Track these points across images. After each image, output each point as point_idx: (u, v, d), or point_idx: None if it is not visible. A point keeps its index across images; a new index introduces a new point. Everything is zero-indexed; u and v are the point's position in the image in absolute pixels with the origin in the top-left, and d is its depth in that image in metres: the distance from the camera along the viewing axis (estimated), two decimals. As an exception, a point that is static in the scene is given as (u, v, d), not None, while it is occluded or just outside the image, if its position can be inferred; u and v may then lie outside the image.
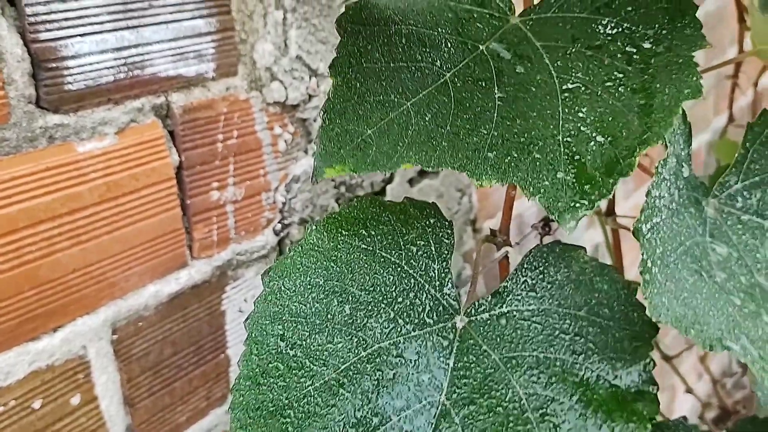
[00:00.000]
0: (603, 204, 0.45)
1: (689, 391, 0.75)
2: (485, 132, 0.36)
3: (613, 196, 0.42)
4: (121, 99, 0.53)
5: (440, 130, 0.37)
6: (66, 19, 0.49)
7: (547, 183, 0.34)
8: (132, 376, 0.56)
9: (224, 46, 0.59)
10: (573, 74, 0.36)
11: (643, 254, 0.34)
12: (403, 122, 0.37)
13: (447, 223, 0.40)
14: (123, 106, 0.53)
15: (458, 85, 0.38)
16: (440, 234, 0.40)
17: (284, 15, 0.63)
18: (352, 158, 0.37)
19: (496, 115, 0.36)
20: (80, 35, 0.49)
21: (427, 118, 0.37)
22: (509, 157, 0.35)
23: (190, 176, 0.58)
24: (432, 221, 0.40)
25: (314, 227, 0.40)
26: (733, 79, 0.81)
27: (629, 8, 0.38)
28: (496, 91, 0.37)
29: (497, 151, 0.36)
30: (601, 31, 0.38)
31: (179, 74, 0.56)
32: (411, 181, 0.80)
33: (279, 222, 0.66)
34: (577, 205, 0.33)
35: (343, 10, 0.42)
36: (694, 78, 0.35)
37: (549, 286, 0.39)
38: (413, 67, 0.38)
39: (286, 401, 0.35)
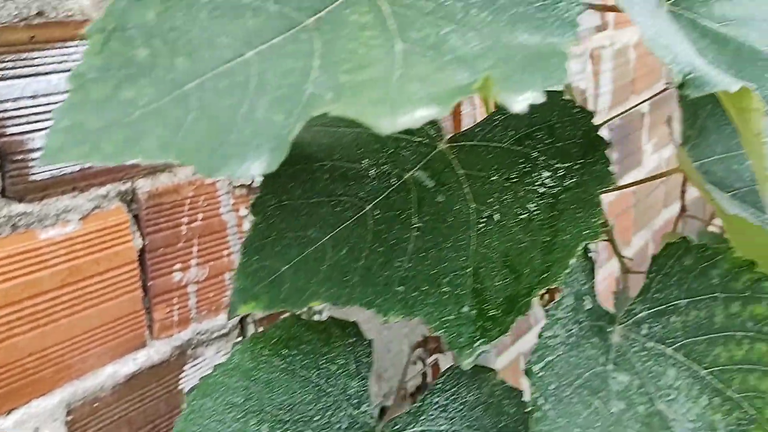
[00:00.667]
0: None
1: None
2: (398, 264, 0.38)
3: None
4: (87, 187, 0.55)
5: (353, 264, 0.38)
6: (35, 114, 0.51)
7: (452, 317, 0.36)
8: (86, 456, 0.57)
9: (192, 133, 0.61)
10: (490, 205, 0.39)
11: (533, 392, 0.35)
12: (319, 257, 0.39)
13: (366, 341, 0.42)
14: (88, 193, 0.55)
15: (377, 216, 0.40)
16: (359, 352, 0.42)
17: (253, 102, 0.66)
18: (266, 295, 0.39)
19: (411, 246, 0.38)
20: (47, 129, 0.52)
21: (342, 253, 0.39)
22: (418, 291, 0.37)
23: (152, 259, 0.60)
24: (352, 340, 0.42)
25: (238, 347, 0.42)
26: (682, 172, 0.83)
27: (547, 141, 0.40)
28: (415, 221, 0.39)
29: (407, 284, 0.38)
30: (520, 162, 0.40)
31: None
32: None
33: (241, 301, 0.68)
34: (477, 341, 0.35)
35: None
36: (595, 219, 0.37)
37: (460, 407, 0.40)
38: (334, 202, 0.40)
39: None
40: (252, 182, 0.67)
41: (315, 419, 0.39)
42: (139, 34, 0.27)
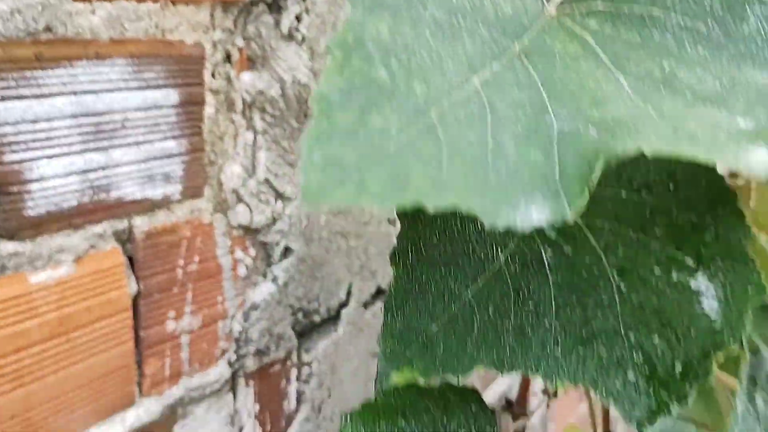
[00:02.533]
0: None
1: None
2: (548, 323, 0.34)
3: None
4: (83, 224, 0.49)
5: (505, 324, 0.35)
6: (34, 140, 0.45)
7: (618, 385, 0.33)
8: None
9: (193, 167, 0.56)
10: (621, 258, 0.36)
11: None
12: (468, 316, 0.35)
13: (489, 410, 0.38)
14: (83, 231, 0.49)
15: (513, 269, 0.36)
16: (482, 422, 0.38)
17: (255, 137, 0.61)
18: (421, 360, 0.35)
19: (554, 303, 0.35)
20: (47, 157, 0.45)
21: (489, 311, 0.35)
22: (575, 354, 0.34)
23: (146, 306, 0.54)
24: (473, 408, 0.38)
25: (350, 419, 0.37)
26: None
27: (668, 189, 0.38)
28: (549, 274, 0.36)
29: (562, 346, 0.34)
30: (642, 212, 0.37)
31: (145, 196, 0.52)
32: (365, 305, 0.78)
33: (234, 352, 0.62)
34: (655, 413, 0.32)
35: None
36: (756, 275, 0.35)
37: None
38: (469, 252, 0.37)
39: None
40: (250, 223, 0.62)
41: None
42: (376, 51, 0.23)
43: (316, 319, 0.71)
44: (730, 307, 0.34)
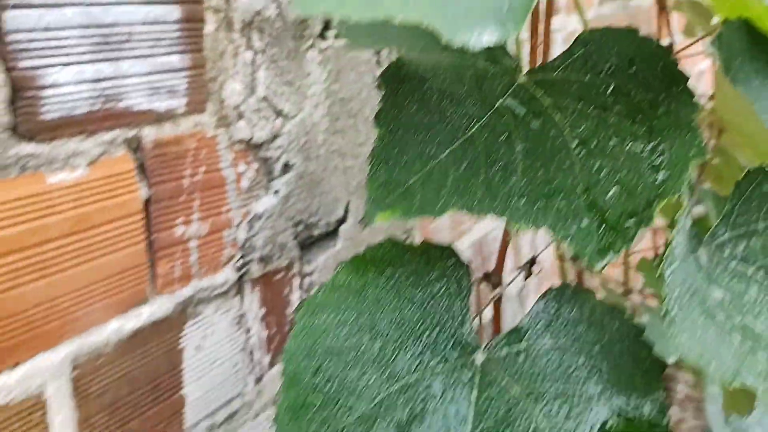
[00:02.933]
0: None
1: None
2: (513, 181, 0.39)
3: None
4: (95, 131, 0.52)
5: (475, 180, 0.39)
6: (47, 48, 0.48)
7: (574, 229, 0.37)
8: (89, 415, 0.54)
9: (195, 82, 0.59)
10: (583, 131, 0.40)
11: (664, 297, 0.37)
12: (443, 171, 0.39)
13: (465, 264, 0.42)
14: (96, 137, 0.52)
15: (484, 137, 0.40)
16: (460, 273, 0.42)
17: (254, 56, 0.64)
18: (401, 205, 0.39)
19: (520, 166, 0.39)
20: (60, 65, 0.49)
21: (462, 168, 0.39)
22: (536, 206, 0.38)
23: (157, 211, 0.57)
24: (451, 261, 0.42)
25: (343, 267, 0.41)
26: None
27: (628, 74, 0.41)
28: (517, 144, 0.40)
29: (526, 199, 0.38)
30: (604, 94, 0.41)
31: (152, 108, 0.56)
32: (361, 220, 0.82)
33: (240, 259, 0.66)
34: (604, 250, 0.37)
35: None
36: (698, 140, 0.39)
37: (563, 324, 0.41)
38: (445, 121, 0.41)
39: (327, 434, 0.36)
40: (251, 139, 0.65)
41: (423, 337, 0.39)
42: None
43: (316, 233, 0.75)
44: (673, 166, 0.38)
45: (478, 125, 0.40)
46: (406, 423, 0.37)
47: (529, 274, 0.49)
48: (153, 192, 0.57)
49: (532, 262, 0.49)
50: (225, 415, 0.68)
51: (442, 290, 0.41)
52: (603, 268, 0.36)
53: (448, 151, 0.40)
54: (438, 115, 0.41)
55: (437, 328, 0.40)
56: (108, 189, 0.54)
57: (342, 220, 0.79)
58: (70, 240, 0.51)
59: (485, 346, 0.41)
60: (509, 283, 0.48)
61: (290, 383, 0.38)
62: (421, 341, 0.39)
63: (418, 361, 0.39)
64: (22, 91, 0.47)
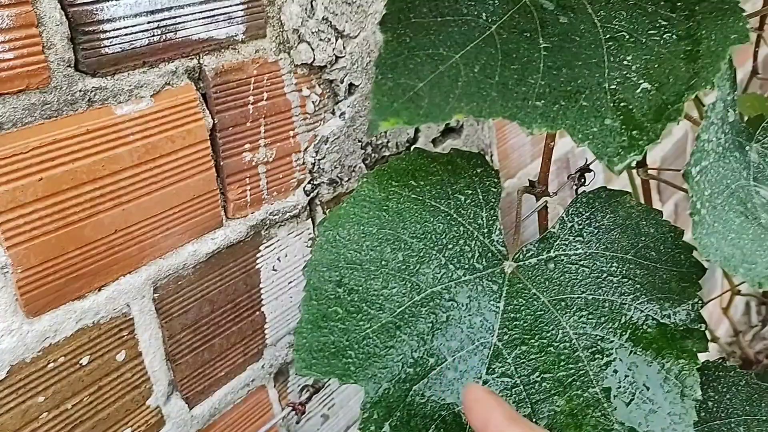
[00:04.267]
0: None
1: (714, 340, 0.77)
2: (532, 81, 0.37)
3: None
4: (156, 62, 0.54)
5: (489, 81, 0.37)
6: (101, -17, 0.49)
7: (595, 129, 0.35)
8: (173, 333, 0.58)
9: (253, 8, 0.59)
10: (616, 23, 0.37)
11: (692, 196, 0.35)
12: (453, 74, 0.38)
13: (494, 171, 0.41)
14: (158, 69, 0.54)
15: (504, 36, 0.38)
16: (487, 182, 0.41)
17: (310, -24, 0.63)
18: (406, 111, 0.38)
19: (542, 65, 0.37)
20: (115, -1, 0.50)
21: (475, 70, 0.37)
22: (557, 105, 0.36)
23: (223, 138, 0.59)
24: (479, 170, 0.41)
25: (366, 179, 0.41)
26: (759, 32, 0.81)
27: None
28: (541, 41, 0.38)
29: (545, 99, 0.36)
30: None
31: (210, 37, 0.57)
32: (434, 141, 0.81)
33: (309, 182, 0.67)
34: (626, 150, 0.34)
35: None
36: (741, 23, 0.35)
37: (596, 230, 0.40)
38: (460, 21, 0.39)
39: (347, 343, 0.36)
40: (314, 61, 0.65)
41: (448, 247, 0.39)
42: None
43: (386, 154, 0.75)
44: (710, 53, 0.34)
45: (498, 23, 0.38)
46: (428, 333, 0.37)
47: (581, 184, 0.47)
48: (217, 120, 0.58)
49: (585, 169, 0.47)
50: (306, 333, 0.70)
51: (468, 200, 0.40)
52: (622, 170, 0.34)
53: (462, 52, 0.38)
54: (452, 13, 0.39)
55: (462, 239, 0.39)
56: (173, 119, 0.55)
57: (413, 141, 0.78)
58: (141, 169, 0.54)
59: (515, 256, 0.41)
60: (555, 193, 0.46)
61: (313, 295, 0.38)
62: (445, 252, 0.39)
63: (442, 272, 0.39)
64: (80, 27, 0.48)
